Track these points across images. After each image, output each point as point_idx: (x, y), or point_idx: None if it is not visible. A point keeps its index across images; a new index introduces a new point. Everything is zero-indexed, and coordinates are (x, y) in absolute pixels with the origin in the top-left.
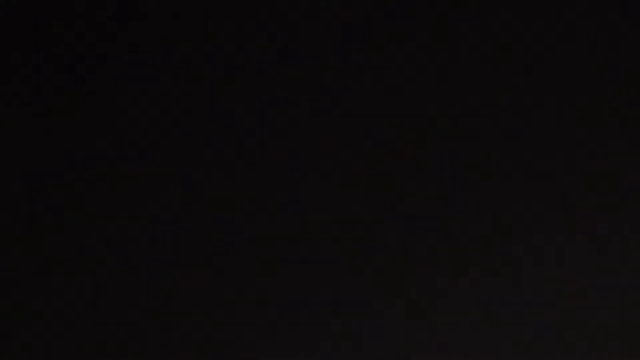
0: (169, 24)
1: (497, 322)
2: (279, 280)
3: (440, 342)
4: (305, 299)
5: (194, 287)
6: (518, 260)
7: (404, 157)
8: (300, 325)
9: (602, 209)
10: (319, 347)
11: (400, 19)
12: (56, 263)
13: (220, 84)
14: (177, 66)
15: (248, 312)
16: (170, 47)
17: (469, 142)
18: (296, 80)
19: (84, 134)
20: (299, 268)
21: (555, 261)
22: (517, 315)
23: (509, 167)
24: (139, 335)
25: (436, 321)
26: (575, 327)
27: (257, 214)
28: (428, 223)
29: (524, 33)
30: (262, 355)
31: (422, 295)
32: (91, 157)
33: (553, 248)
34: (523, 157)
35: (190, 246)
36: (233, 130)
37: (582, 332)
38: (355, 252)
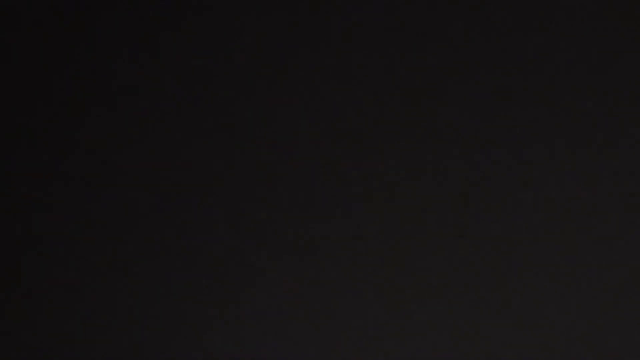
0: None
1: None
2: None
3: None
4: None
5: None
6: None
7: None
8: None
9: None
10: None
11: (400, 18)
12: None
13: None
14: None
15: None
16: (170, 48)
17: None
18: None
19: (83, 134)
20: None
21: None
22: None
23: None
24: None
25: (430, 323)
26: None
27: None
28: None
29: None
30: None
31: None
32: (90, 157)
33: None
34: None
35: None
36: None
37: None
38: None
